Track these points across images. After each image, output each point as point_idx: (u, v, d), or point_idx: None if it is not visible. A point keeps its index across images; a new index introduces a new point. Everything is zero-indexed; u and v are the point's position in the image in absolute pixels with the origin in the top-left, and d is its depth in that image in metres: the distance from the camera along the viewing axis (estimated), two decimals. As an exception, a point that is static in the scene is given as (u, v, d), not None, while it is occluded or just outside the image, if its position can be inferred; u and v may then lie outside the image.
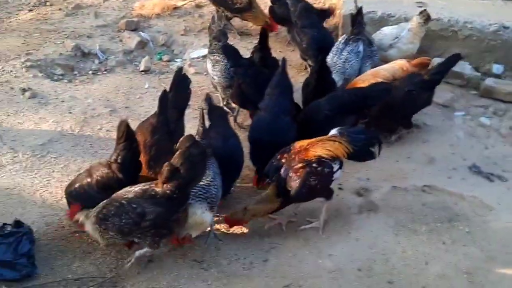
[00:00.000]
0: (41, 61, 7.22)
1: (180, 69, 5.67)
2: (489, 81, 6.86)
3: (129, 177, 4.48)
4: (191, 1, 8.85)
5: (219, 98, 6.47)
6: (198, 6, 8.72)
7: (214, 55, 6.22)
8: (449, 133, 6.25)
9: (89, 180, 4.50)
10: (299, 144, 4.76)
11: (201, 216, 4.37)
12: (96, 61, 7.42)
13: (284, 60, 5.74)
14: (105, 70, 7.26)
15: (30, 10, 8.72)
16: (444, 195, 5.34)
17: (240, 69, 6.02)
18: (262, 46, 6.34)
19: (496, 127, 6.38)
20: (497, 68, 7.08)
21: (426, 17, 6.68)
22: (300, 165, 4.60)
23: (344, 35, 6.52)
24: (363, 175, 5.54)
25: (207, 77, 6.73)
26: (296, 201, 4.85)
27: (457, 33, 7.08)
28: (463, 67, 6.96)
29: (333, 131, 4.86)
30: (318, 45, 6.56)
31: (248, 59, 6.34)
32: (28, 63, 7.09)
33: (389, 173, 5.62)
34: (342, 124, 5.25)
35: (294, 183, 4.58)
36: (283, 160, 4.70)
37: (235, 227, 4.84)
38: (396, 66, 6.23)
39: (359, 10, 6.54)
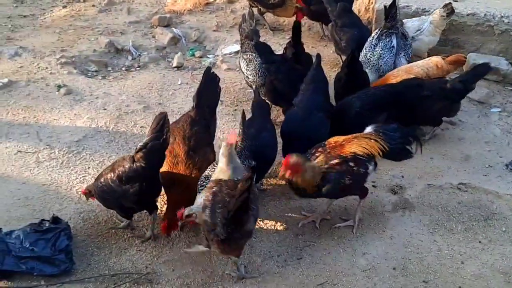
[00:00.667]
0: (76, 57, 7.32)
1: (209, 68, 5.69)
2: (526, 77, 6.75)
3: (151, 168, 4.44)
4: (223, -4, 8.89)
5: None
6: (230, 2, 8.73)
7: (247, 54, 6.22)
8: (485, 130, 6.16)
9: (111, 174, 4.51)
10: (334, 140, 4.72)
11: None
12: (130, 58, 7.49)
13: (318, 55, 5.72)
14: (138, 67, 7.32)
15: (64, 7, 8.84)
16: (480, 193, 5.27)
17: (272, 66, 6.02)
18: (295, 42, 6.30)
19: (534, 123, 6.29)
20: (534, 64, 6.97)
21: (449, 11, 6.61)
22: (336, 161, 4.56)
23: (377, 30, 6.46)
24: (398, 173, 5.49)
25: (240, 73, 6.74)
26: (328, 197, 4.82)
27: (493, 28, 6.98)
28: (499, 63, 6.86)
29: (368, 129, 4.81)
30: (358, 44, 6.49)
31: (281, 55, 6.33)
32: (63, 60, 7.19)
33: (424, 170, 5.56)
34: (373, 121, 5.25)
35: (329, 178, 4.52)
36: (317, 154, 4.63)
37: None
38: (430, 63, 6.13)
39: (393, 3, 6.47)
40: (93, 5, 8.80)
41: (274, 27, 8.16)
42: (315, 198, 4.85)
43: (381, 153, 4.65)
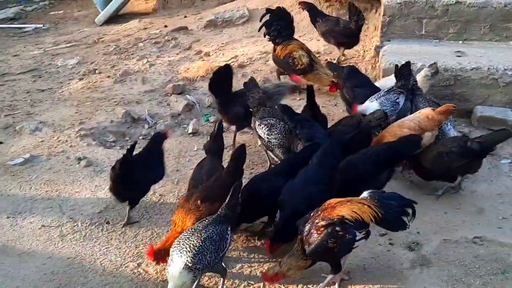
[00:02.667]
0: (94, 129, 7.56)
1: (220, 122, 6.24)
2: (533, 127, 6.86)
3: None
4: (234, 61, 9.17)
5: (269, 158, 6.66)
6: (241, 66, 8.99)
7: (267, 120, 6.35)
8: (497, 181, 6.26)
9: None
10: (328, 202, 4.77)
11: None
12: (146, 126, 7.71)
13: (334, 137, 5.89)
14: (155, 135, 7.52)
15: (81, 79, 9.16)
16: (495, 246, 5.33)
17: (296, 124, 6.19)
18: (311, 105, 6.61)
19: (543, 175, 6.38)
20: (540, 114, 7.11)
21: (434, 70, 6.87)
22: (322, 223, 4.61)
23: (389, 86, 6.64)
24: (413, 229, 5.54)
25: (254, 136, 6.94)
26: (313, 259, 4.79)
27: (497, 80, 7.16)
28: (506, 114, 7.01)
29: (364, 194, 4.81)
30: None
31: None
32: (82, 132, 7.43)
33: (439, 225, 5.64)
34: (376, 180, 5.43)
35: (312, 241, 4.61)
36: (312, 214, 4.73)
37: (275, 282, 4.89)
38: (421, 116, 6.21)
39: (406, 64, 6.67)
40: (109, 76, 9.11)
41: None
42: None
43: (373, 219, 4.62)
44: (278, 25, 8.02)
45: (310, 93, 6.67)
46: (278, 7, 8.25)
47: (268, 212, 5.52)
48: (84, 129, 7.51)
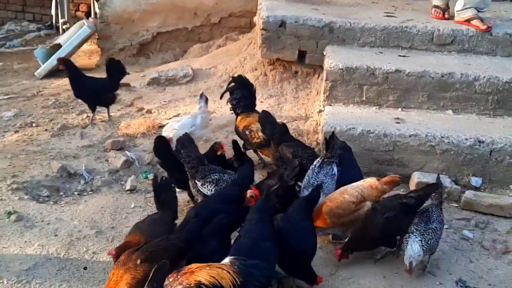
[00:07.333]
0: (27, 183, 7.26)
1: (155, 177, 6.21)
2: (469, 194, 7.02)
3: None
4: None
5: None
6: (183, 125, 8.92)
7: (210, 177, 6.30)
8: (434, 247, 6.30)
9: None
10: (189, 266, 4.63)
11: None
12: (82, 182, 7.47)
13: (268, 189, 5.85)
14: (91, 191, 7.30)
15: (16, 132, 8.86)
16: (432, 312, 5.33)
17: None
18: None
19: (479, 239, 6.46)
20: (475, 181, 7.29)
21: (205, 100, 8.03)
22: (179, 287, 4.45)
23: (318, 159, 6.61)
24: (352, 293, 5.52)
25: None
26: None
27: (434, 147, 7.32)
28: (443, 181, 7.09)
29: (226, 259, 4.72)
30: None
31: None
32: (14, 186, 7.12)
33: (377, 290, 5.61)
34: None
35: None
36: (171, 279, 4.52)
37: None
38: (365, 184, 6.21)
39: (332, 135, 6.75)
40: (46, 130, 8.86)
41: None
42: None
43: (232, 286, 4.46)
44: (239, 95, 8.02)
45: (236, 148, 7.05)
46: (240, 76, 8.32)
47: None
48: (16, 182, 7.20)
